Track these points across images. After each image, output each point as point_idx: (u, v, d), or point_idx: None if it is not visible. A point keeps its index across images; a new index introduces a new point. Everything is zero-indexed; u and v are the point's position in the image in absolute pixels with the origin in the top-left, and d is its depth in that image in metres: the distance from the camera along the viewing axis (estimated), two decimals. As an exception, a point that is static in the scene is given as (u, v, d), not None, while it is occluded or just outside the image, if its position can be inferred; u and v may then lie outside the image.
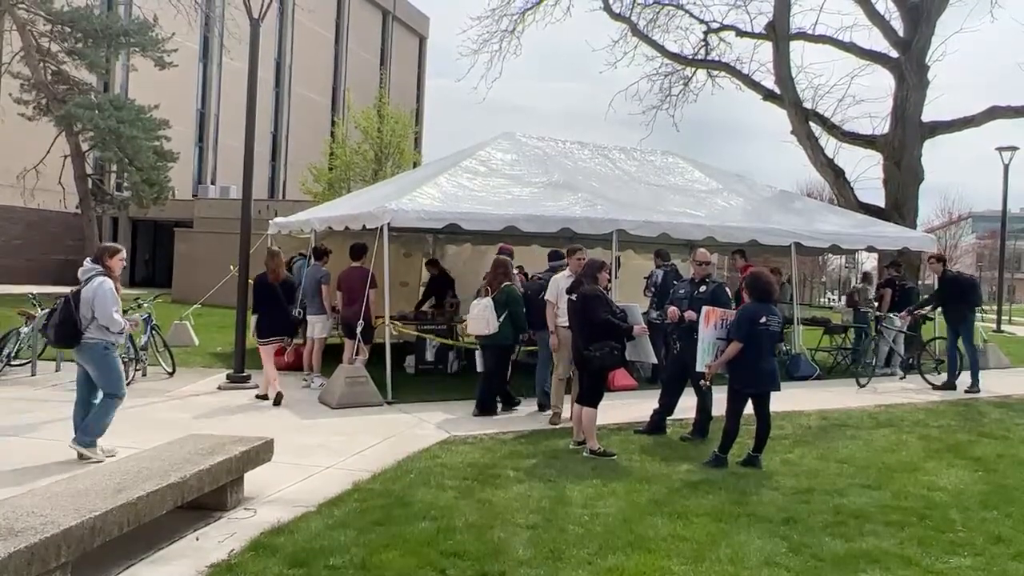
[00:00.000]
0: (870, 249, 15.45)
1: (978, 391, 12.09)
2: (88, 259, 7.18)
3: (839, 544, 5.26)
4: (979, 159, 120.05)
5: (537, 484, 6.42)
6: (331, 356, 11.69)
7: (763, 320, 7.04)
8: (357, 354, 10.51)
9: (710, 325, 7.28)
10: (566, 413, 8.79)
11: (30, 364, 11.42)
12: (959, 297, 12.56)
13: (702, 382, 7.75)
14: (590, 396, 7.54)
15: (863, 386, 12.07)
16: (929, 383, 12.47)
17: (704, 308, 7.39)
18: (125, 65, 33.87)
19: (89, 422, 6.96)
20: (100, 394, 7.09)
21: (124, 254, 7.49)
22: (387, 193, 12.78)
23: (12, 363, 11.38)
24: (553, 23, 21.49)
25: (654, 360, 8.27)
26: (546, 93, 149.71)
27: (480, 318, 9.12)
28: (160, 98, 29.41)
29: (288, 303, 10.15)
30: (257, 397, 10.09)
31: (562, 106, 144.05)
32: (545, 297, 9.02)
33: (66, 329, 6.84)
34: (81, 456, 6.81)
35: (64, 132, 26.90)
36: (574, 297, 7.68)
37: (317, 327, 11.35)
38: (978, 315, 13.59)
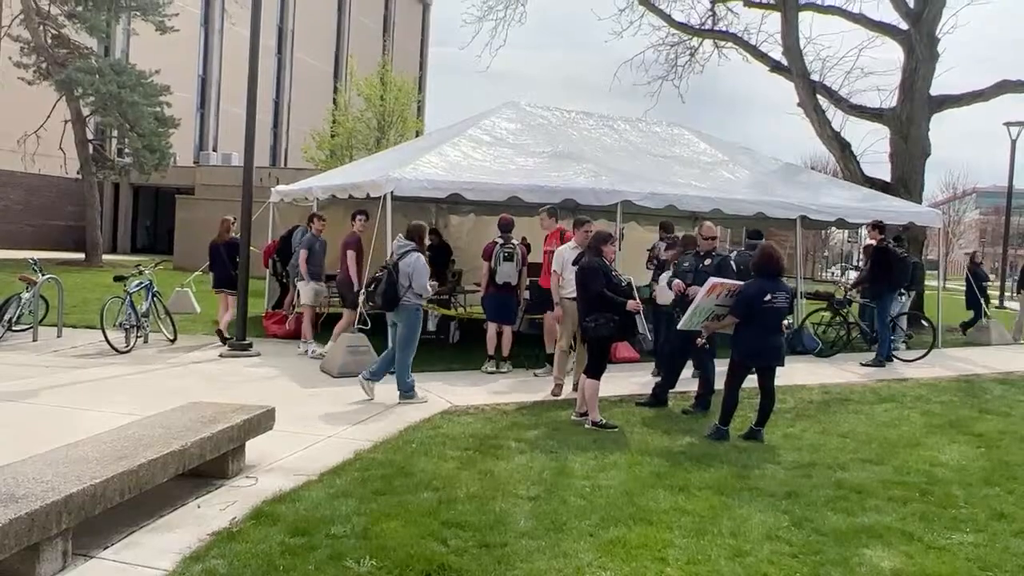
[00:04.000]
0: (875, 223, 15.32)
1: (882, 365, 11.81)
2: (401, 235, 8.57)
3: (841, 519, 5.25)
4: (984, 134, 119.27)
5: (539, 455, 6.41)
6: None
7: (767, 298, 6.99)
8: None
9: (710, 296, 7.21)
10: (568, 386, 8.80)
11: (31, 330, 11.41)
12: (881, 271, 12.22)
13: (698, 340, 7.71)
14: (593, 368, 7.52)
15: (824, 356, 12.46)
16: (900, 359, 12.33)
17: (710, 279, 7.33)
18: (126, 29, 33.51)
19: (399, 377, 8.28)
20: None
21: (427, 228, 9.07)
22: (390, 162, 12.68)
23: (14, 328, 11.36)
24: (559, -10, 21.21)
25: (647, 335, 8.17)
26: (548, 63, 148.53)
27: (666, 289, 9.17)
28: (161, 63, 29.10)
29: (229, 261, 11.43)
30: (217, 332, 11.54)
31: (563, 77, 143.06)
32: (552, 268, 8.99)
33: (390, 294, 8.14)
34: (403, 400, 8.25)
35: (65, 97, 26.66)
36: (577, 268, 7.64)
37: (300, 294, 11.46)
38: (906, 296, 13.25)
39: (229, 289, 11.50)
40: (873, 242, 12.85)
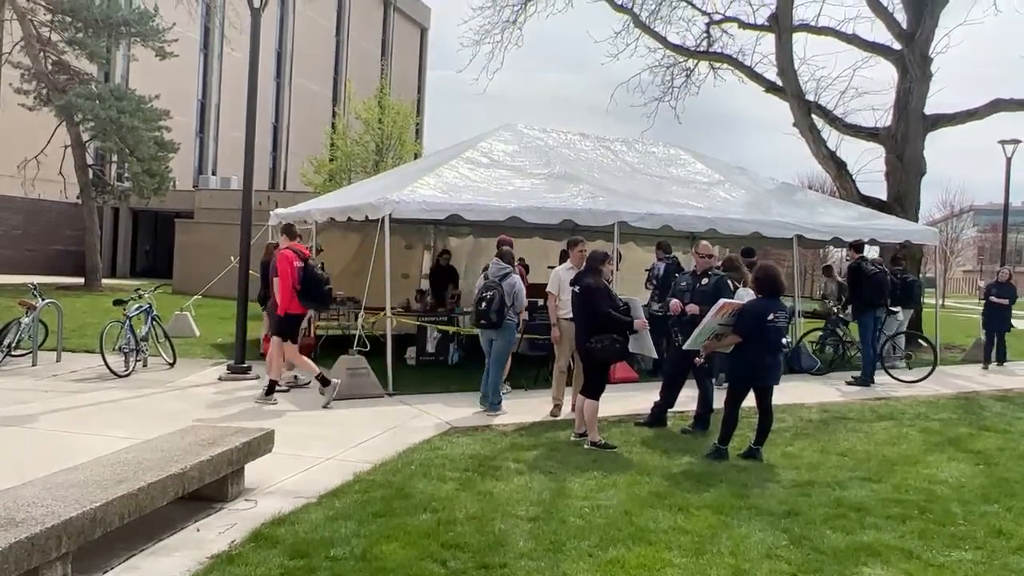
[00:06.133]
0: (872, 242, 15.45)
1: (866, 385, 11.70)
2: (496, 259, 9.10)
3: (840, 537, 5.25)
4: (980, 152, 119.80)
5: (538, 476, 6.41)
6: (335, 348, 11.68)
7: (771, 317, 7.02)
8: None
9: (718, 315, 7.24)
10: (567, 406, 8.80)
11: (31, 354, 11.41)
12: (855, 290, 12.11)
13: (696, 359, 7.72)
14: (592, 388, 7.53)
15: (822, 375, 12.57)
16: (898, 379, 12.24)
17: (720, 300, 7.36)
18: (126, 55, 33.76)
19: (490, 393, 8.88)
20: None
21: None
22: (388, 184, 12.75)
23: (13, 353, 11.36)
24: (555, 14, 21.36)
25: (654, 355, 8.21)
26: (545, 85, 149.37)
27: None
28: (161, 88, 29.31)
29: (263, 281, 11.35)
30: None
31: (560, 99, 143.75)
32: (547, 289, 9.02)
33: (503, 314, 8.71)
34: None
35: (65, 122, 26.81)
36: (578, 289, 7.64)
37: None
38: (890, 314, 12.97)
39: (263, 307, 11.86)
40: (830, 263, 12.87)
